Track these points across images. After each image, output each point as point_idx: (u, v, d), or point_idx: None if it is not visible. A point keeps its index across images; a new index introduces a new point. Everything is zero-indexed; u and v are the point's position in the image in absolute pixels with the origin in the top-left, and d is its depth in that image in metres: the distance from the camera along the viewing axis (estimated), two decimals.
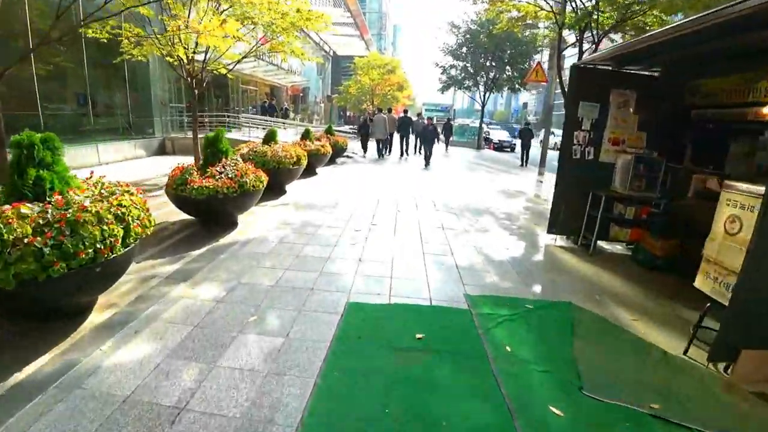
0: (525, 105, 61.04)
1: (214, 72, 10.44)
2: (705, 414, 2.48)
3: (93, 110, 12.40)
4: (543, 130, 16.39)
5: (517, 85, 25.51)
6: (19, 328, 2.95)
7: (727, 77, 4.76)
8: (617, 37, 10.87)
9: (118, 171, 10.32)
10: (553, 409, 2.39)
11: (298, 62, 24.34)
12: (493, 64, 24.51)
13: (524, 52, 23.57)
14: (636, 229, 5.37)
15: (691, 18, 3.62)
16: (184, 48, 8.28)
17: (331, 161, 13.19)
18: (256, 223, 5.99)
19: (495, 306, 3.65)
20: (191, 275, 4.02)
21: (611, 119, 5.46)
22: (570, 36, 12.30)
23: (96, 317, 3.19)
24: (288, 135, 16.98)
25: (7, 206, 2.60)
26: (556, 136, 18.39)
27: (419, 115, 21.45)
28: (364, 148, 17.59)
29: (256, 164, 6.78)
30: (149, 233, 3.47)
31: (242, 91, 25.08)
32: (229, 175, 5.23)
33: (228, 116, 18.45)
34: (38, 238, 2.50)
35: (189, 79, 9.02)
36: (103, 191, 3.22)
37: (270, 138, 8.56)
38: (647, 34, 4.34)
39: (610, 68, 5.50)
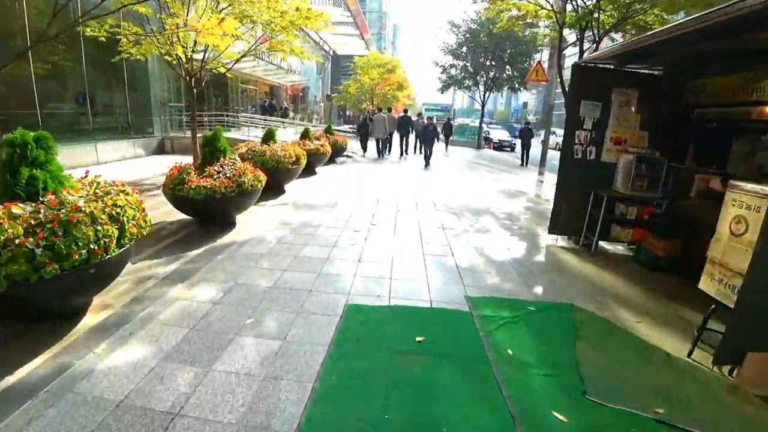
0: (525, 104, 60.99)
1: (213, 71, 10.38)
2: (710, 419, 2.43)
3: (91, 109, 12.35)
4: (543, 129, 16.34)
5: (517, 85, 25.44)
6: (10, 329, 2.90)
7: (730, 76, 4.71)
8: (618, 37, 10.82)
9: (116, 170, 10.27)
10: (556, 415, 2.34)
11: (298, 61, 24.27)
12: (493, 63, 24.45)
13: (524, 52, 23.50)
14: (638, 229, 5.32)
15: (693, 16, 3.58)
16: (183, 47, 8.23)
17: (331, 161, 13.13)
18: (254, 223, 5.93)
19: (496, 308, 3.59)
20: (188, 276, 3.97)
21: (613, 118, 5.40)
22: (570, 35, 12.25)
23: (90, 319, 3.14)
24: (287, 134, 16.92)
25: None
26: (558, 136, 18.33)
27: (419, 114, 21.38)
28: (364, 147, 17.53)
29: (255, 164, 6.72)
30: (145, 233, 3.41)
31: (242, 91, 25.01)
32: (227, 175, 5.17)
33: (227, 115, 18.40)
34: (30, 239, 2.45)
35: (188, 78, 8.96)
36: (98, 191, 3.16)
37: (269, 137, 8.50)
38: (649, 33, 4.29)
39: (612, 67, 5.45)
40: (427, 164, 14.41)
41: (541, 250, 5.59)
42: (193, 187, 4.85)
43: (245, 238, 5.19)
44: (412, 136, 17.75)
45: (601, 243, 5.56)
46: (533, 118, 48.72)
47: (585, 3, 9.81)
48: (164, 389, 2.37)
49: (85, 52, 11.52)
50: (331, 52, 37.49)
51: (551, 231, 5.87)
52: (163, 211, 6.15)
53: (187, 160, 7.79)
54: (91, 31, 7.83)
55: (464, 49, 25.25)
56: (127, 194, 3.29)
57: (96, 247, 2.70)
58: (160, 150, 14.46)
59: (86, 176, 3.50)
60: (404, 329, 3.12)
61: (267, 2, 8.74)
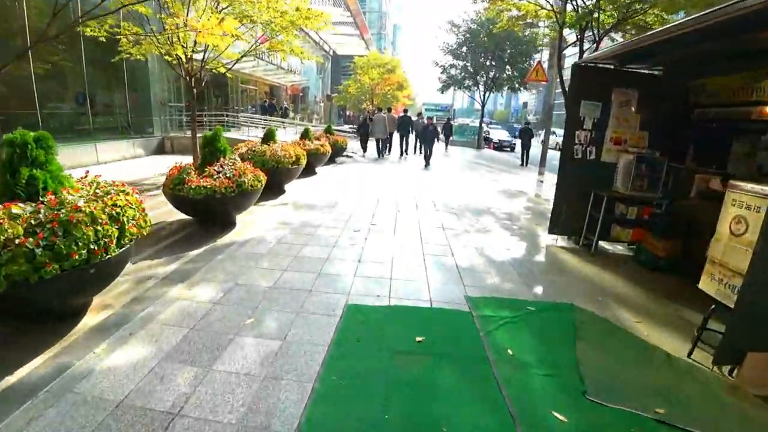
0: (525, 104, 61.00)
1: (213, 71, 10.38)
2: (710, 419, 2.43)
3: (92, 109, 12.35)
4: (543, 129, 16.34)
5: (517, 85, 25.45)
6: (10, 329, 2.90)
7: (730, 76, 4.71)
8: (618, 37, 10.82)
9: (116, 170, 10.27)
10: (557, 415, 2.33)
11: (298, 61, 24.30)
12: (493, 63, 24.45)
13: (524, 52, 23.50)
14: (638, 229, 5.32)
15: (693, 16, 3.57)
16: (183, 47, 8.23)
17: (331, 161, 13.13)
18: (254, 223, 5.93)
19: (496, 308, 3.59)
20: (188, 276, 3.97)
21: (613, 119, 5.40)
22: (570, 35, 12.25)
23: (90, 319, 3.14)
24: (287, 134, 16.92)
25: None
26: (558, 136, 18.32)
27: (419, 114, 21.38)
28: (364, 147, 17.53)
29: (255, 164, 6.72)
30: (145, 233, 3.41)
31: (242, 91, 25.02)
32: (227, 175, 5.17)
33: (227, 115, 18.40)
34: (30, 239, 2.45)
35: (188, 78, 8.96)
36: (98, 191, 3.16)
37: (269, 137, 8.51)
38: (650, 33, 4.29)
39: (612, 67, 5.45)
40: (427, 164, 14.41)
41: (541, 250, 5.59)
42: (193, 187, 4.85)
43: (245, 238, 5.19)
44: (412, 136, 17.73)
45: (601, 243, 5.56)
46: (533, 118, 48.70)
47: (585, 3, 9.80)
48: (164, 389, 2.37)
49: (85, 52, 11.52)
50: (331, 52, 37.51)
51: (551, 231, 5.87)
52: (163, 211, 6.15)
53: (188, 160, 7.79)
54: (91, 31, 7.83)
55: (464, 49, 25.25)
56: (127, 194, 3.29)
57: (96, 247, 2.70)
58: (160, 150, 14.46)
59: (86, 176, 3.51)
60: (404, 329, 3.12)
61: (267, 2, 8.74)
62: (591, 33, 10.03)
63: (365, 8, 47.34)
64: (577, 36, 10.59)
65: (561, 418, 2.32)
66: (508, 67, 24.56)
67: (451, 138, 22.94)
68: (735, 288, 2.89)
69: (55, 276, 2.52)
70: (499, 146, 26.04)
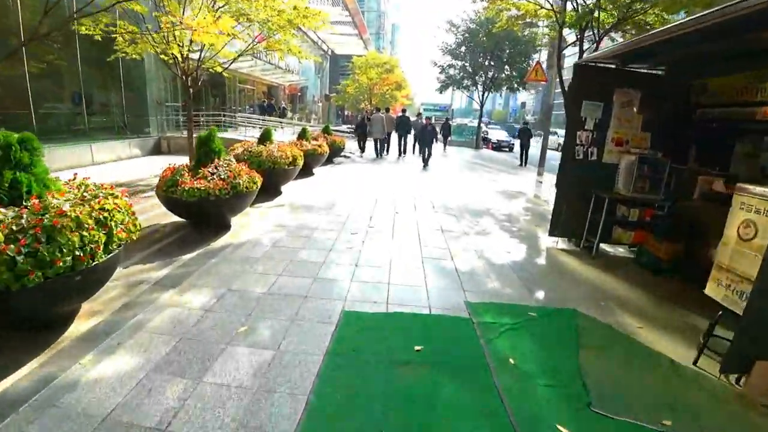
0: (523, 104, 61.03)
1: (210, 70, 10.27)
2: (718, 430, 2.35)
3: (87, 109, 12.23)
4: (542, 129, 16.26)
5: (515, 85, 25.38)
6: None
7: (734, 75, 4.64)
8: (618, 36, 10.75)
9: (112, 171, 10.17)
10: (560, 428, 2.24)
11: (296, 61, 24.16)
12: (492, 63, 24.37)
13: (523, 52, 23.43)
14: (639, 231, 5.24)
15: (696, 16, 3.49)
16: (179, 46, 8.12)
17: (329, 161, 13.02)
18: (249, 225, 5.83)
19: (497, 314, 3.50)
20: (180, 281, 3.86)
21: (615, 119, 5.32)
22: (570, 35, 12.18)
23: (78, 326, 3.04)
24: (285, 134, 16.80)
25: None
26: (559, 137, 18.22)
27: (418, 114, 21.27)
28: (362, 147, 17.43)
29: (251, 164, 6.62)
30: (135, 238, 3.31)
31: (239, 90, 24.88)
32: (222, 176, 5.07)
33: (224, 115, 18.27)
34: (11, 246, 2.34)
35: (184, 77, 8.85)
36: (85, 194, 3.05)
37: (265, 138, 8.39)
38: (652, 32, 4.21)
39: (614, 66, 5.37)
40: (425, 165, 14.31)
41: (542, 252, 5.50)
42: (186, 189, 4.74)
43: (240, 241, 5.08)
44: (410, 137, 17.64)
45: (602, 245, 5.48)
46: (531, 118, 48.67)
47: (585, 2, 9.73)
48: (152, 403, 2.27)
49: (80, 51, 11.40)
50: (330, 52, 37.37)
51: (551, 233, 5.78)
52: (156, 213, 6.04)
53: (184, 160, 7.68)
54: (86, 29, 7.71)
55: (463, 48, 25.17)
56: (116, 197, 3.19)
57: (82, 254, 2.59)
58: (157, 150, 14.33)
59: (74, 178, 3.40)
60: (402, 337, 3.02)
61: (264, 1, 8.64)
62: (591, 33, 9.96)
63: (364, 7, 47.19)
64: (576, 36, 10.52)
65: (565, 431, 2.23)
66: (506, 67, 24.49)
67: (449, 138, 22.85)
68: (743, 294, 2.81)
69: (38, 284, 2.42)
70: (498, 146, 25.98)
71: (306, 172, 10.28)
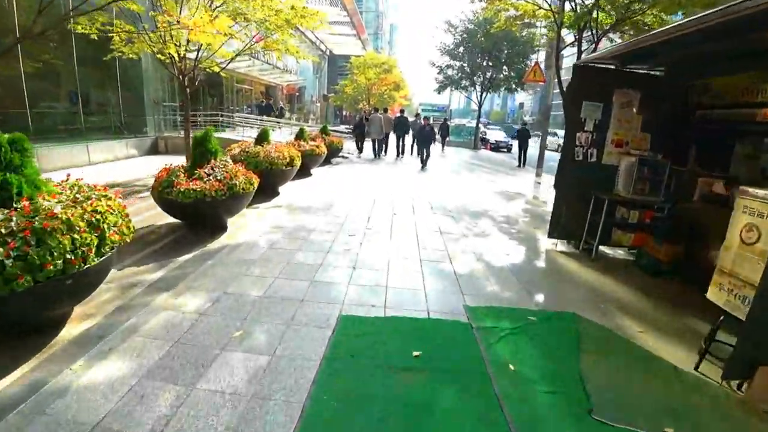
0: (521, 105, 61.08)
1: (207, 70, 10.20)
2: None
3: (83, 108, 12.15)
4: (540, 130, 16.24)
5: (513, 85, 25.37)
6: None
7: (734, 76, 4.61)
8: (616, 37, 10.73)
9: (108, 171, 10.09)
10: None
11: (294, 61, 24.09)
12: (490, 63, 24.36)
13: (521, 52, 23.43)
14: (639, 233, 5.21)
15: (698, 15, 3.45)
16: (176, 45, 8.05)
17: (326, 161, 12.96)
18: (246, 226, 5.77)
19: (496, 318, 3.45)
20: (175, 284, 3.80)
21: (614, 120, 5.29)
22: (568, 35, 12.15)
23: (70, 330, 2.98)
24: (283, 135, 16.73)
25: None
26: (559, 138, 18.20)
27: (417, 115, 21.22)
28: (360, 148, 17.38)
29: (248, 165, 6.56)
30: (128, 240, 3.25)
31: (237, 90, 24.79)
32: (218, 177, 5.00)
33: (222, 115, 18.18)
34: (0, 249, 2.28)
35: (181, 77, 8.79)
36: (78, 195, 3.00)
37: (262, 138, 8.33)
38: (652, 33, 4.18)
39: (613, 67, 5.33)
40: (423, 165, 14.27)
41: (541, 255, 5.46)
42: (182, 190, 4.68)
43: (236, 243, 5.03)
44: (408, 137, 17.59)
45: (601, 247, 5.45)
46: (529, 118, 48.68)
47: (584, 2, 9.70)
48: (143, 410, 2.21)
49: (76, 51, 11.32)
50: (328, 52, 37.27)
51: (551, 235, 5.75)
52: (152, 214, 5.98)
53: (181, 160, 7.64)
54: (82, 28, 7.65)
55: (461, 49, 25.15)
56: (109, 199, 3.13)
57: (73, 257, 2.54)
58: (154, 150, 14.24)
59: (67, 179, 3.34)
60: (401, 343, 2.97)
61: (261, 0, 8.58)
62: (589, 33, 9.93)
63: (362, 8, 47.15)
64: (575, 36, 10.49)
65: None
66: (505, 67, 24.48)
67: (447, 138, 22.81)
68: (746, 299, 2.77)
69: (27, 288, 2.36)
70: (496, 147, 25.99)
71: (304, 172, 10.22)
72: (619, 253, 5.67)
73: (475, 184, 11.51)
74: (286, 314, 3.31)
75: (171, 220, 5.53)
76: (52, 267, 2.42)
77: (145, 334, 2.94)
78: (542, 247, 5.73)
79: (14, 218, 2.44)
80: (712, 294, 3.08)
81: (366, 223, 6.27)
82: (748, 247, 2.79)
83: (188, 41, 8.20)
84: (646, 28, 9.22)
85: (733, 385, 2.81)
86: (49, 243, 2.42)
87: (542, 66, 15.40)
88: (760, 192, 2.79)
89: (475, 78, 25.48)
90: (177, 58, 8.39)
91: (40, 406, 2.21)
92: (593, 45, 10.00)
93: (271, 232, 5.54)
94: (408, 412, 2.30)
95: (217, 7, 8.39)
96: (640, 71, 5.53)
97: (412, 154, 17.66)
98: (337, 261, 4.60)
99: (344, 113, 42.02)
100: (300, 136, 11.21)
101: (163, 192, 4.79)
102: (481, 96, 25.91)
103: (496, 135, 27.93)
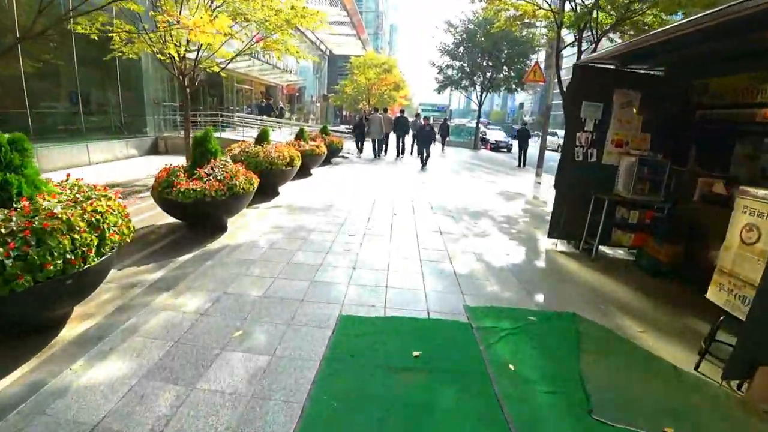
0: (521, 105, 61.08)
1: (207, 70, 10.20)
2: None
3: (83, 108, 12.14)
4: (540, 130, 16.23)
5: (513, 85, 25.37)
6: None
7: (735, 76, 4.61)
8: (616, 37, 10.74)
9: (108, 171, 10.10)
10: None
11: (294, 61, 24.09)
12: (490, 63, 24.36)
13: (521, 52, 23.44)
14: (639, 233, 5.21)
15: (699, 15, 3.45)
16: (176, 45, 8.05)
17: (326, 161, 12.96)
18: (246, 226, 5.77)
19: (496, 318, 3.45)
20: (175, 284, 3.80)
21: (614, 120, 5.28)
22: (568, 35, 12.16)
23: (70, 330, 2.98)
24: (283, 135, 16.73)
25: None
26: (560, 138, 18.19)
27: (417, 115, 21.22)
28: (360, 148, 17.38)
29: (248, 165, 6.56)
30: (128, 240, 3.25)
31: (237, 90, 24.78)
32: (218, 178, 5.00)
33: (222, 115, 18.18)
34: (0, 249, 2.28)
35: (181, 77, 8.78)
36: (78, 195, 2.99)
37: (262, 138, 8.33)
38: (654, 32, 4.17)
39: (614, 67, 5.33)
40: (423, 165, 14.26)
41: (541, 255, 5.46)
42: (182, 190, 4.67)
43: (236, 243, 5.03)
44: (408, 137, 17.60)
45: (601, 247, 5.44)
46: (529, 118, 48.71)
47: (584, 2, 9.71)
48: (144, 410, 2.21)
49: (77, 51, 11.31)
50: (328, 52, 37.28)
51: (551, 235, 5.74)
52: (152, 214, 5.98)
53: (181, 160, 7.64)
54: (82, 28, 7.65)
55: (461, 49, 25.16)
56: (109, 199, 3.13)
57: (73, 257, 2.54)
58: (154, 150, 14.24)
59: (67, 179, 3.34)
60: (400, 343, 2.97)
61: (261, 0, 8.58)
62: (589, 33, 9.94)
63: (362, 8, 47.16)
64: (575, 36, 10.50)
65: None
66: (505, 67, 24.48)
67: (447, 138, 22.82)
68: (746, 299, 2.77)
69: (27, 288, 2.36)
70: (496, 147, 26.01)
71: (304, 172, 10.22)
72: (619, 252, 5.67)
73: (475, 184, 11.51)
74: (286, 314, 3.31)
75: (171, 220, 5.53)
76: (52, 267, 2.42)
77: (145, 334, 2.94)
78: (542, 247, 5.73)
79: (14, 218, 2.43)
80: (712, 294, 3.08)
81: (366, 223, 6.27)
82: (748, 247, 2.78)
83: (188, 41, 8.20)
84: (646, 28, 9.23)
85: (732, 385, 2.81)
86: (49, 243, 2.42)
87: (542, 66, 15.41)
88: (761, 192, 2.79)
89: (475, 78, 25.49)
90: (177, 58, 8.39)
91: (40, 406, 2.21)
92: (593, 45, 10.01)
93: (271, 232, 5.54)
94: (408, 412, 2.30)
95: (217, 7, 8.39)
96: (641, 71, 5.52)
97: (412, 154, 17.67)
98: (337, 261, 4.60)
99: (344, 113, 42.03)
100: (300, 136, 11.21)
101: (163, 192, 4.79)
102: (481, 96, 25.91)
103: (496, 135, 27.95)
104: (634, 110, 5.26)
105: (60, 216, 2.54)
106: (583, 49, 10.40)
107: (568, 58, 20.41)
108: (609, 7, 9.38)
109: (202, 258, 4.49)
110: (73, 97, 11.91)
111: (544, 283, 4.48)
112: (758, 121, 4.34)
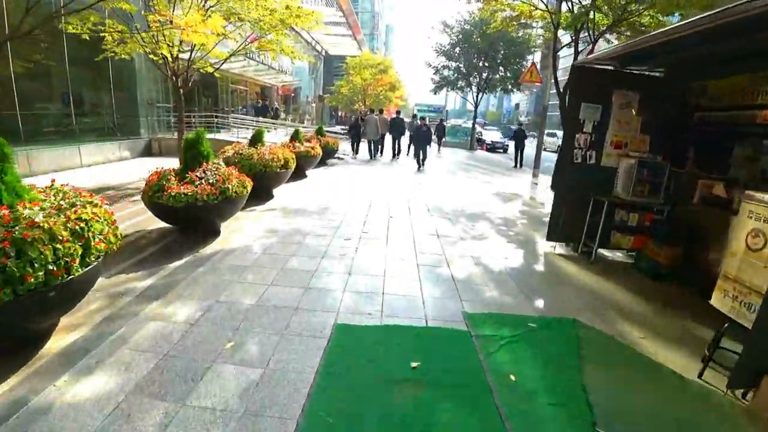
0: (517, 106, 61.19)
1: (201, 71, 10.08)
2: None
3: (75, 110, 11.97)
4: (536, 131, 16.19)
5: (510, 86, 25.35)
6: None
7: (733, 78, 4.55)
8: (612, 38, 10.71)
9: (101, 173, 9.96)
10: None
11: (290, 62, 23.97)
12: (486, 64, 24.32)
13: (518, 53, 23.42)
14: (639, 236, 5.16)
15: (700, 16, 3.39)
16: (168, 45, 7.93)
17: (322, 163, 12.84)
18: (240, 230, 5.66)
19: (496, 325, 3.37)
20: (166, 292, 3.69)
21: (614, 121, 5.22)
22: (565, 36, 12.13)
23: (56, 343, 2.87)
24: (278, 136, 16.60)
25: None
26: (559, 138, 18.16)
27: (414, 116, 21.15)
28: (355, 149, 17.28)
29: (242, 168, 6.45)
30: (116, 249, 3.14)
31: (232, 91, 24.62)
32: (210, 181, 4.89)
33: (216, 116, 18.02)
34: None
35: (174, 77, 8.66)
36: (62, 202, 2.88)
37: (257, 140, 8.21)
38: (653, 33, 4.11)
39: (612, 68, 5.27)
40: (420, 166, 14.18)
41: (540, 258, 5.39)
42: (173, 194, 4.56)
43: (229, 248, 4.92)
44: (405, 138, 17.52)
45: (600, 250, 5.38)
46: (525, 119, 48.77)
47: (581, 3, 9.67)
48: (130, 430, 2.11)
49: (68, 51, 11.15)
50: (323, 53, 37.17)
51: (549, 238, 5.67)
52: (143, 218, 5.86)
53: (175, 162, 7.51)
54: (73, 28, 7.51)
55: (457, 50, 25.10)
56: (95, 206, 3.02)
57: (55, 268, 2.43)
58: (148, 152, 14.07)
59: (52, 185, 3.23)
60: (398, 353, 2.88)
61: (256, 0, 8.47)
62: (586, 34, 9.90)
63: (358, 8, 47.05)
64: (571, 37, 10.46)
65: None
66: (501, 68, 24.45)
67: (444, 139, 22.77)
68: (752, 306, 2.70)
69: (8, 302, 2.25)
70: (492, 147, 25.98)
71: (299, 174, 10.11)
72: (618, 255, 5.60)
73: (471, 185, 11.44)
74: (279, 323, 3.21)
75: (163, 224, 5.42)
76: (33, 279, 2.31)
77: (134, 347, 2.83)
78: (540, 250, 5.66)
79: None
80: (717, 300, 3.01)
81: (362, 227, 6.17)
82: (754, 254, 2.72)
83: (181, 41, 8.09)
84: (643, 29, 9.20)
85: (737, 393, 2.74)
86: (30, 254, 2.31)
87: (538, 66, 15.37)
88: (767, 197, 2.72)
89: (471, 78, 25.44)
90: (170, 59, 8.27)
91: (21, 426, 2.11)
92: (590, 46, 9.97)
93: (265, 237, 5.44)
94: (406, 428, 2.21)
95: (210, 6, 8.27)
96: (641, 72, 5.47)
97: (408, 154, 17.59)
98: (333, 266, 4.50)
99: (340, 114, 41.89)
100: (295, 137, 11.11)
101: (153, 196, 4.67)
102: (477, 97, 25.87)
103: (492, 135, 27.91)
104: (633, 111, 5.20)
105: (42, 225, 2.43)
106: (580, 49, 10.36)
107: (565, 58, 20.47)
108: (606, 8, 9.34)
109: (194, 264, 4.38)
110: (64, 98, 11.74)
111: (544, 288, 4.40)
112: (758, 123, 4.28)
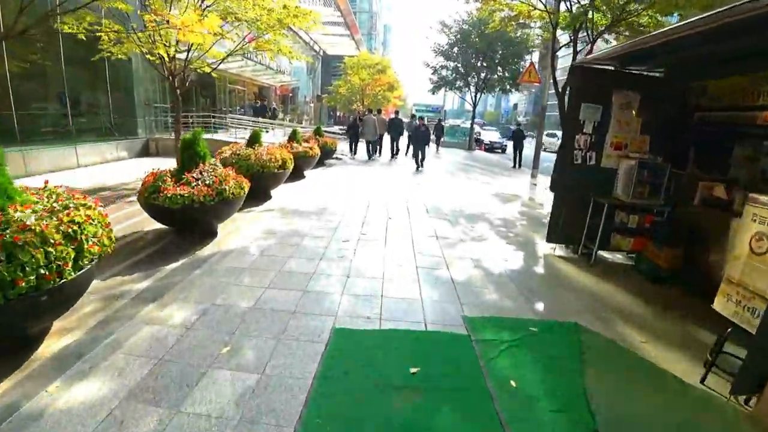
0: (515, 106, 61.22)
1: (198, 71, 10.02)
2: None
3: (72, 110, 11.88)
4: (534, 131, 16.17)
5: (508, 86, 25.32)
6: None
7: (734, 78, 4.53)
8: (611, 38, 10.69)
9: (97, 174, 9.88)
10: None
11: (287, 61, 23.88)
12: (485, 64, 24.28)
13: (516, 53, 23.39)
14: (639, 238, 5.12)
15: (702, 16, 3.35)
16: (165, 45, 7.87)
17: (320, 163, 12.79)
18: (237, 232, 5.61)
19: (496, 329, 3.33)
20: (161, 294, 3.64)
21: (614, 122, 5.18)
22: (563, 36, 12.11)
23: (48, 347, 2.81)
24: (276, 136, 16.53)
25: None
26: (559, 139, 18.17)
27: (412, 116, 21.11)
28: (354, 149, 17.22)
29: (239, 168, 6.40)
30: (110, 251, 3.09)
31: (229, 91, 24.52)
32: (207, 182, 4.84)
33: (214, 117, 17.95)
34: None
35: (171, 78, 8.60)
36: (55, 204, 2.83)
37: (254, 140, 8.15)
38: (653, 33, 4.08)
39: (612, 68, 5.24)
40: (419, 167, 14.13)
41: (539, 260, 5.35)
42: (169, 196, 4.51)
43: (226, 250, 4.87)
44: (403, 138, 17.47)
45: (600, 251, 5.34)
46: (523, 119, 48.80)
47: (579, 2, 9.65)
48: None
49: (64, 51, 11.07)
50: (321, 53, 37.07)
51: (549, 239, 5.64)
52: (139, 220, 5.80)
53: (172, 162, 7.44)
54: (68, 28, 7.45)
55: (455, 49, 25.06)
56: (89, 208, 2.97)
57: (47, 272, 2.38)
58: (145, 152, 13.99)
59: (45, 186, 3.18)
60: (397, 358, 2.83)
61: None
62: (585, 34, 9.88)
63: (355, 8, 46.97)
64: (570, 37, 10.43)
65: None
66: (499, 68, 24.42)
67: (442, 139, 22.73)
68: (756, 311, 2.67)
69: None
70: (491, 147, 25.96)
71: (297, 174, 10.06)
72: (618, 257, 5.57)
73: (470, 185, 11.40)
74: (276, 327, 3.17)
75: (159, 226, 5.36)
76: (24, 284, 2.26)
77: (128, 351, 2.78)
78: (540, 252, 5.62)
79: None
80: (719, 304, 2.98)
81: (360, 228, 6.13)
82: (759, 257, 2.68)
83: (177, 41, 8.03)
84: (642, 29, 9.18)
85: (740, 399, 2.71)
86: (21, 258, 2.26)
87: (537, 67, 15.36)
88: None
89: (469, 78, 25.41)
90: (167, 59, 8.21)
91: None
92: (589, 46, 9.95)
93: (263, 238, 5.39)
94: None
95: (207, 6, 8.21)
96: (641, 73, 5.44)
97: (406, 155, 17.55)
98: (331, 269, 4.46)
99: (338, 114, 41.83)
100: (293, 137, 11.05)
101: (149, 197, 4.62)
102: (475, 97, 25.84)
103: (490, 136, 27.90)
104: (634, 112, 5.17)
105: (33, 228, 2.38)
106: (578, 49, 10.33)
107: (563, 58, 20.47)
108: (604, 8, 9.31)
109: (190, 266, 4.33)
110: (61, 98, 11.66)
111: (544, 290, 4.37)
112: (759, 124, 4.26)
